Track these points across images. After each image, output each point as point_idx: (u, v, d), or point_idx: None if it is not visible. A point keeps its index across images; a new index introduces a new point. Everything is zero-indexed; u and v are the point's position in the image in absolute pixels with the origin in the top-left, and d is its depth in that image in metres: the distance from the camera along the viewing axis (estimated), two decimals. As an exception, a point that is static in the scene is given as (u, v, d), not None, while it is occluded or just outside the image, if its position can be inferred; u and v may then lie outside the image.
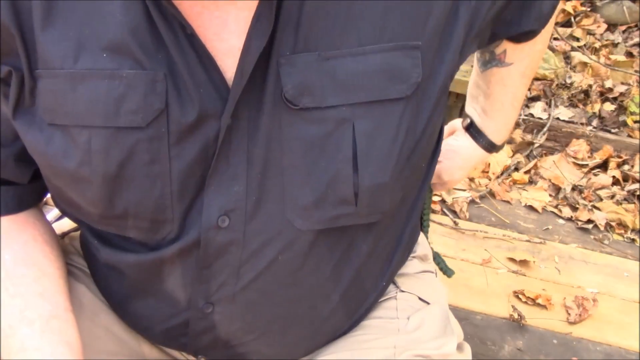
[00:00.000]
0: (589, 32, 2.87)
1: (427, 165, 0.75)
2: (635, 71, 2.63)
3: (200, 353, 0.75)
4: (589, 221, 2.06)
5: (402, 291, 0.83)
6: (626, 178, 2.29)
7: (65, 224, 0.88)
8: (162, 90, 0.59)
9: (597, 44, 2.80)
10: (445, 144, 0.88)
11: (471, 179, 2.24)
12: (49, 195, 0.74)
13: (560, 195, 2.19)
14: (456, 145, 0.95)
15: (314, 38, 0.60)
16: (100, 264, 0.74)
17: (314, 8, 0.59)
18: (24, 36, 0.59)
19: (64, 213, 0.74)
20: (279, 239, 0.65)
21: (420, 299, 0.83)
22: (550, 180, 2.27)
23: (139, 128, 0.59)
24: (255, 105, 0.61)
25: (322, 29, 0.60)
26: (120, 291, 0.74)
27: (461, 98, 2.51)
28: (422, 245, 0.92)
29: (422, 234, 0.94)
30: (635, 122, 2.47)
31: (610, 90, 2.59)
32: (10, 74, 0.61)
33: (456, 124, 1.03)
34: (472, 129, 0.96)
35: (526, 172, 2.32)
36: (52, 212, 1.18)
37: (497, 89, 0.89)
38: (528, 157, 2.42)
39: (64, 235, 0.87)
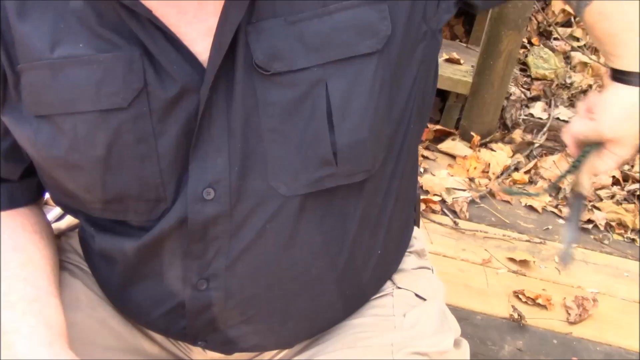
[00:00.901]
0: (589, 32, 2.86)
1: (415, 123, 0.73)
2: (635, 71, 2.63)
3: (200, 338, 0.75)
4: (589, 221, 2.06)
5: (399, 288, 0.83)
6: (626, 178, 2.29)
7: (63, 224, 0.89)
8: (139, 69, 0.61)
9: (597, 44, 2.80)
10: (596, 99, 0.79)
11: (471, 179, 2.24)
12: (48, 196, 0.75)
13: (560, 195, 2.19)
14: (608, 97, 0.79)
15: (278, 4, 0.61)
16: (98, 256, 0.75)
17: None
18: (2, 34, 0.62)
19: (63, 207, 0.75)
20: (265, 207, 0.66)
21: (416, 295, 0.83)
22: (550, 180, 2.27)
23: (122, 109, 0.61)
24: (228, 76, 0.62)
25: None
26: (118, 280, 0.75)
27: (461, 98, 2.51)
28: (420, 240, 0.92)
29: (420, 230, 0.94)
30: (635, 122, 2.47)
31: (611, 90, 2.58)
32: None
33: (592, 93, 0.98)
34: (616, 75, 0.81)
35: (526, 172, 2.32)
36: (51, 212, 1.18)
37: (605, 26, 0.78)
38: (528, 157, 2.42)
39: (61, 234, 0.87)
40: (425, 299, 0.82)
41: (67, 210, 0.75)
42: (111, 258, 0.73)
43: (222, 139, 0.63)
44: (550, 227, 2.03)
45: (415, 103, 0.71)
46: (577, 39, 2.85)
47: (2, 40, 0.62)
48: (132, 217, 0.68)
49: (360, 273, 0.77)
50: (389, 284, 0.84)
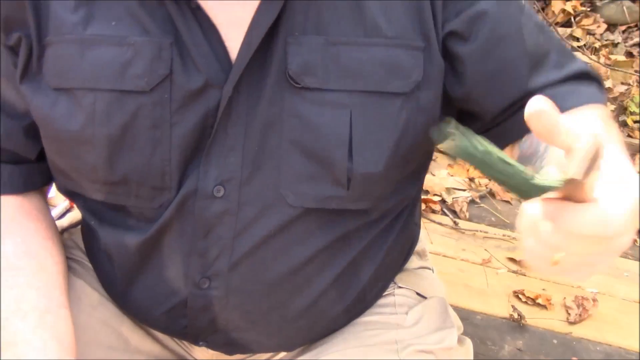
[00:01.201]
0: (589, 32, 2.87)
1: (424, 162, 0.75)
2: (635, 71, 2.63)
3: (201, 338, 0.75)
4: (589, 221, 2.06)
5: (400, 287, 0.83)
6: (626, 178, 2.29)
7: (65, 221, 0.89)
8: (167, 57, 0.62)
9: (597, 44, 2.80)
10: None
11: (471, 179, 2.24)
12: (52, 195, 0.75)
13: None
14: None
15: (322, 23, 0.62)
16: (100, 251, 0.75)
17: None
18: (35, 5, 0.63)
19: (66, 192, 0.74)
20: (270, 214, 0.66)
21: (418, 294, 0.83)
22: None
23: (143, 92, 0.62)
24: (257, 79, 0.63)
25: (331, 15, 0.62)
26: (120, 277, 0.74)
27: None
28: (421, 241, 0.92)
29: (420, 230, 0.94)
30: (635, 122, 2.47)
31: (610, 90, 2.59)
32: (19, 41, 0.64)
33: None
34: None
35: (526, 172, 2.32)
36: (54, 210, 1.19)
37: None
38: (528, 157, 2.42)
39: (64, 230, 0.87)
40: (426, 297, 0.83)
41: (70, 196, 0.75)
42: (113, 254, 0.73)
43: (238, 139, 0.64)
44: (550, 227, 2.03)
45: (432, 149, 0.74)
46: (577, 39, 2.85)
47: (36, 11, 0.63)
48: (133, 203, 0.68)
49: (363, 284, 0.77)
50: (390, 283, 0.84)
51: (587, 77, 0.71)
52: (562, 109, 0.55)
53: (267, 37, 0.62)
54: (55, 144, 0.68)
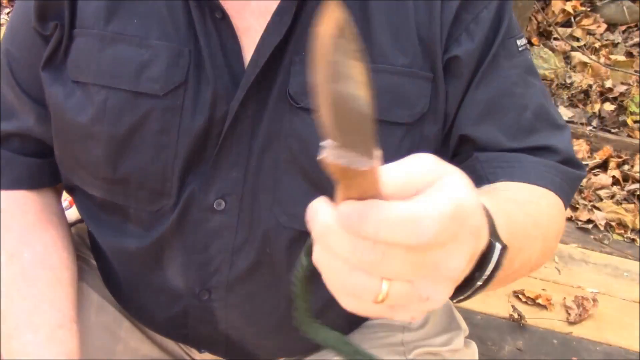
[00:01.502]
0: (589, 32, 2.87)
1: None
2: (635, 71, 2.63)
3: (203, 346, 0.75)
4: (589, 221, 2.06)
5: None
6: (626, 178, 2.29)
7: (73, 215, 0.88)
8: (184, 65, 0.62)
9: (597, 44, 2.80)
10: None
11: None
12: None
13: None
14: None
15: None
16: (105, 253, 0.75)
17: None
18: None
19: (67, 188, 0.74)
20: (266, 233, 0.65)
21: None
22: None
23: (156, 96, 0.62)
24: (263, 97, 0.63)
25: None
26: (124, 280, 0.75)
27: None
28: None
29: None
30: (635, 122, 2.47)
31: (610, 90, 2.58)
32: (55, 28, 0.64)
33: None
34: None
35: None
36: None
37: None
38: (528, 157, 2.42)
39: (71, 225, 0.87)
40: None
41: (71, 192, 0.74)
42: (114, 258, 0.73)
43: (242, 155, 0.64)
44: (550, 227, 2.03)
45: None
46: (577, 39, 2.84)
47: (72, 2, 0.63)
48: (132, 204, 0.67)
49: None
50: None
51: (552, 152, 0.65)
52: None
53: (276, 56, 0.61)
54: (63, 135, 0.67)
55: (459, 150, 0.66)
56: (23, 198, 0.71)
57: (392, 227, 0.30)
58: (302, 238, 0.66)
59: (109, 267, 0.77)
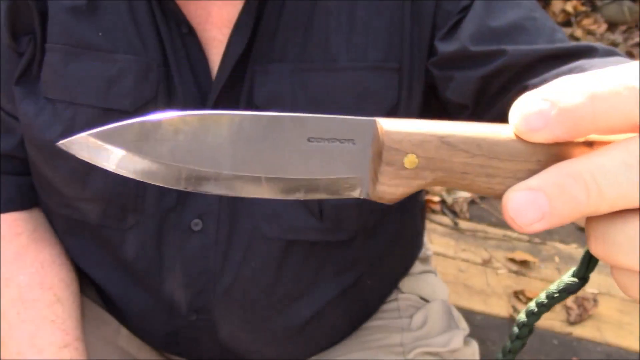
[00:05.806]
0: (590, 32, 2.87)
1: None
2: (636, 71, 2.63)
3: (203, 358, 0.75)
4: (589, 221, 2.06)
5: (403, 292, 0.83)
6: (626, 178, 2.29)
7: None
8: (154, 80, 0.60)
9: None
10: None
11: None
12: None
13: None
14: None
15: (290, 49, 0.60)
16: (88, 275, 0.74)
17: (291, 19, 0.60)
18: (40, 9, 0.61)
19: (45, 208, 0.73)
20: (250, 247, 0.65)
21: (421, 297, 0.83)
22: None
23: (126, 112, 0.60)
24: (231, 109, 0.61)
25: (298, 40, 0.60)
26: (116, 298, 0.74)
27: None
28: (423, 247, 0.92)
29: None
30: (635, 122, 2.47)
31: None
32: (29, 43, 0.62)
33: None
34: None
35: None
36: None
37: None
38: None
39: None
40: (429, 301, 0.82)
41: (49, 212, 0.73)
42: (99, 281, 0.72)
43: None
44: (550, 227, 2.03)
45: None
46: (578, 39, 2.85)
47: (40, 15, 0.62)
48: (104, 222, 0.66)
49: (366, 297, 0.77)
50: (393, 290, 0.84)
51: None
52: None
53: (240, 68, 0.60)
54: (33, 152, 0.66)
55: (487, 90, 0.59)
56: (14, 220, 0.70)
57: None
58: (287, 247, 0.65)
59: (96, 287, 0.76)
